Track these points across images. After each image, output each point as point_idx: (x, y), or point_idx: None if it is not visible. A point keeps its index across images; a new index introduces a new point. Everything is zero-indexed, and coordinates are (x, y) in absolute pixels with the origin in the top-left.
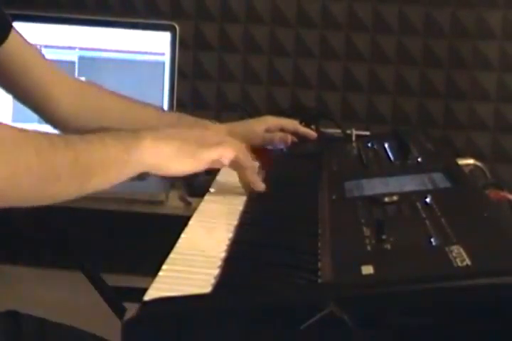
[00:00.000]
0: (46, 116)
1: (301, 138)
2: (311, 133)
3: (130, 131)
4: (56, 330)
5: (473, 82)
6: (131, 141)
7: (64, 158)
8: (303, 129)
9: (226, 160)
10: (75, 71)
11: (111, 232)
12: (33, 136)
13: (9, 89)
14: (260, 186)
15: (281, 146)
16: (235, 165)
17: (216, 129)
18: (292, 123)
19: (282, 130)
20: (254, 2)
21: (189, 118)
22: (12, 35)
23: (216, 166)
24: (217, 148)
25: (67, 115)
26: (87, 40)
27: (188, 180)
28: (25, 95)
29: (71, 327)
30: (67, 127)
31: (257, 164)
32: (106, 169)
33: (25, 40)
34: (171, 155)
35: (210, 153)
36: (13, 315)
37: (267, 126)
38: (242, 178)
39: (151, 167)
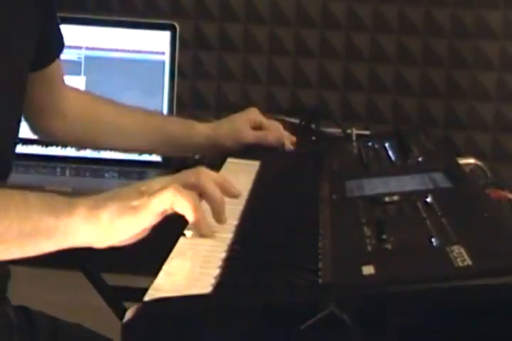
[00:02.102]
0: (39, 123)
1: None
2: (291, 138)
3: (64, 197)
4: (67, 329)
5: (474, 82)
6: (63, 205)
7: None
8: (285, 138)
9: (181, 208)
10: (73, 70)
11: None
12: None
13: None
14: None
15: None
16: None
17: (202, 129)
18: (273, 134)
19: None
20: (254, 2)
21: (175, 121)
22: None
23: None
24: (164, 194)
25: (61, 125)
26: (87, 39)
27: None
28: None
29: (81, 326)
30: (55, 136)
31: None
32: (25, 232)
33: None
34: (108, 222)
35: (156, 202)
36: (24, 310)
37: (248, 119)
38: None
39: (91, 237)
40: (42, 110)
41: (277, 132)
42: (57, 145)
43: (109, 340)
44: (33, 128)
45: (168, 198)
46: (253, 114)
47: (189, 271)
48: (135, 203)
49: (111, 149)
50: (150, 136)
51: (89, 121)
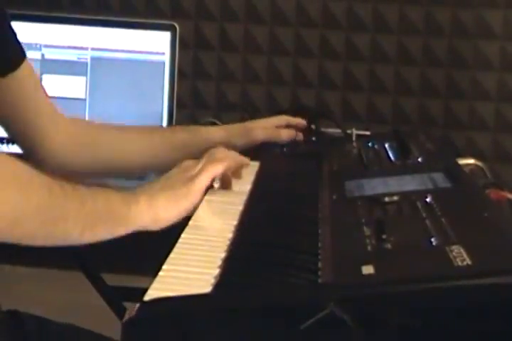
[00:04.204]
0: (37, 155)
1: (295, 129)
2: (301, 122)
3: (128, 192)
4: (57, 328)
5: (474, 82)
6: (131, 198)
7: (72, 202)
8: (292, 120)
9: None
10: (73, 71)
11: None
12: (44, 177)
13: (6, 121)
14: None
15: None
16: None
17: (212, 131)
18: (281, 119)
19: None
20: (254, 2)
21: (180, 129)
22: (24, 65)
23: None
24: (203, 174)
25: (60, 155)
26: (87, 40)
27: None
28: (20, 130)
29: (71, 325)
30: (58, 168)
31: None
32: (108, 220)
33: (33, 71)
34: (166, 205)
35: (200, 184)
36: (13, 314)
37: (260, 126)
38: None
39: (149, 222)
40: (37, 134)
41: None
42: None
43: (102, 337)
44: (33, 155)
45: (209, 176)
46: (263, 123)
47: (189, 271)
48: (185, 189)
49: (121, 174)
50: (158, 150)
51: (88, 141)
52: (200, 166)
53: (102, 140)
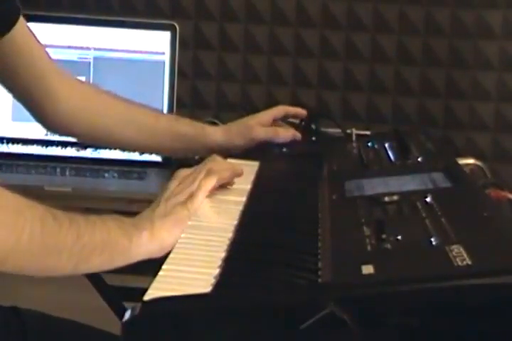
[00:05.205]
0: (43, 115)
1: (294, 119)
2: (300, 110)
3: (129, 219)
4: (57, 324)
5: (474, 82)
6: (133, 230)
7: (67, 235)
8: (292, 109)
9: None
10: (74, 70)
11: None
12: (37, 208)
13: (8, 82)
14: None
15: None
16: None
17: (214, 130)
18: (279, 110)
19: (275, 121)
20: (254, 2)
21: (185, 121)
22: (19, 24)
23: None
24: (200, 194)
25: (66, 114)
26: (87, 39)
27: None
28: (25, 90)
29: (72, 320)
30: (62, 128)
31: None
32: (106, 251)
33: (31, 31)
34: (170, 232)
35: (198, 203)
36: (13, 310)
37: (260, 120)
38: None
39: (157, 250)
40: (41, 96)
41: (289, 128)
42: (57, 145)
43: (104, 333)
44: (39, 118)
45: (205, 192)
46: (262, 116)
47: (189, 271)
48: (186, 212)
49: (119, 146)
50: (161, 133)
51: (94, 112)
52: (197, 183)
53: (106, 112)
